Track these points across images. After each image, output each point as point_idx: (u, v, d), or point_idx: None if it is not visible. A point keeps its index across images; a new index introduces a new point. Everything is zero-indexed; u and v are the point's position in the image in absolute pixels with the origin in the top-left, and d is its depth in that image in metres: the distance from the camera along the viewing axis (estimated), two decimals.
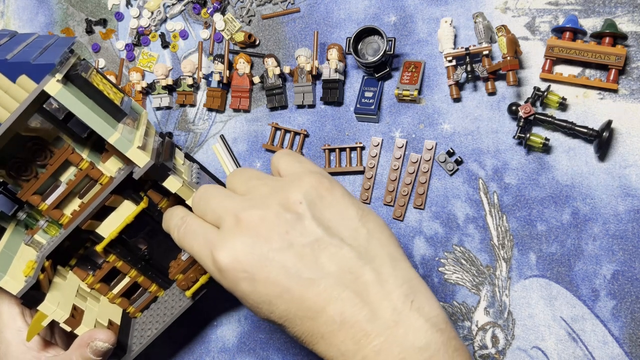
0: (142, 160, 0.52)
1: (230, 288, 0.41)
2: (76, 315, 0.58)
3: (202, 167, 0.66)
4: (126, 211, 0.58)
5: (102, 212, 0.57)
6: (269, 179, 0.44)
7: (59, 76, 0.47)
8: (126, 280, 0.63)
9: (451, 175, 0.63)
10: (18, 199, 0.55)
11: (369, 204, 0.65)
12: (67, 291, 0.59)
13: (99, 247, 0.59)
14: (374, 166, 0.65)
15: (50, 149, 0.54)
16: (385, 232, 0.42)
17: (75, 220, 0.55)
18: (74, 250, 0.61)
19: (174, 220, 0.47)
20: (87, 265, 0.62)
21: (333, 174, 0.67)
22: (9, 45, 0.50)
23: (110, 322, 0.61)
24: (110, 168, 0.56)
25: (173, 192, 0.55)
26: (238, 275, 0.39)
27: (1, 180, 0.56)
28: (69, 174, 0.56)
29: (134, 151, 0.52)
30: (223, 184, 0.68)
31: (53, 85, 0.47)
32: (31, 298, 0.55)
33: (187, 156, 0.66)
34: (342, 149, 0.67)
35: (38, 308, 0.55)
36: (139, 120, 0.58)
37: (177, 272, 0.62)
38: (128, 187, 0.56)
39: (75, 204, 0.57)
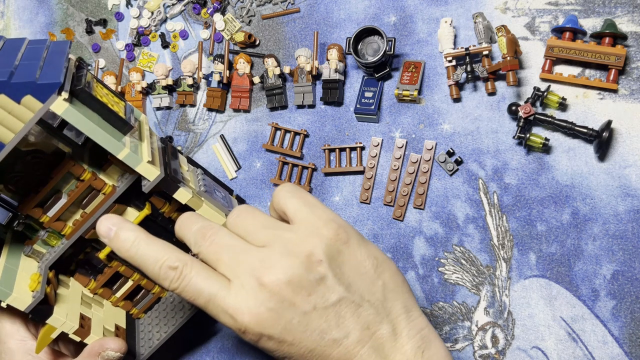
0: (152, 174, 0.52)
1: (251, 342, 0.42)
2: (84, 324, 0.58)
3: (204, 171, 0.66)
4: (129, 218, 0.57)
5: None
6: (282, 230, 0.43)
7: (65, 94, 0.46)
8: (129, 283, 0.63)
9: (451, 175, 0.63)
10: (12, 205, 0.55)
11: (368, 204, 0.66)
12: (72, 300, 0.59)
13: (102, 255, 0.59)
14: (374, 166, 0.65)
15: (50, 162, 0.54)
16: (398, 281, 0.44)
17: (79, 231, 0.55)
18: (74, 257, 0.62)
19: (167, 274, 0.43)
20: (87, 270, 0.62)
21: (333, 174, 0.68)
22: (2, 57, 0.49)
23: (117, 327, 0.62)
24: (112, 175, 0.56)
25: (183, 203, 0.54)
26: (263, 337, 0.41)
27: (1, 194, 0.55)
28: (70, 185, 0.56)
29: (144, 166, 0.51)
30: (224, 185, 0.68)
31: (60, 104, 0.46)
32: (40, 312, 0.55)
33: (189, 160, 0.66)
34: (342, 149, 0.67)
35: (47, 322, 0.55)
36: (141, 127, 0.57)
37: None
38: (131, 195, 0.56)
39: (77, 214, 0.57)
